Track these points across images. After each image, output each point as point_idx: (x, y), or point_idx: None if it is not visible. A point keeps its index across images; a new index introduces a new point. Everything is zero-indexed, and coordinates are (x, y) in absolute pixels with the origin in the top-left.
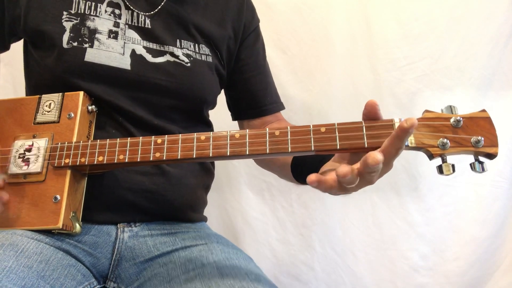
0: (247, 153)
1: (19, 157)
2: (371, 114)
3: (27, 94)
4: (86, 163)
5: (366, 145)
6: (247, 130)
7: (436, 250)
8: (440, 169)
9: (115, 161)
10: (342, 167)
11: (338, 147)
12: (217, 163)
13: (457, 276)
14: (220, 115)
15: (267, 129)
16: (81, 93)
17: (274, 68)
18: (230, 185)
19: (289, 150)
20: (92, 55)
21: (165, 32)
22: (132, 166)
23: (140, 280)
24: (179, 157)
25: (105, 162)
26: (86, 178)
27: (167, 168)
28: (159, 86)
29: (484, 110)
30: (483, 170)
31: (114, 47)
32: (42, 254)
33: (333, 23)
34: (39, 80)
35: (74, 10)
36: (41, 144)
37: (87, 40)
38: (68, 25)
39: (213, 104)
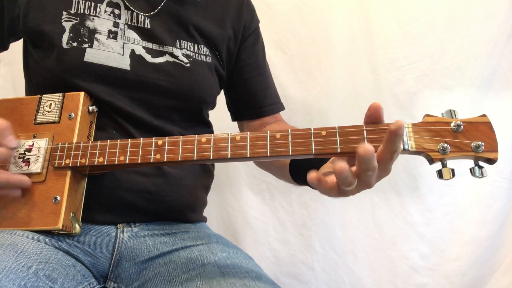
0: (248, 155)
1: (19, 157)
2: (373, 116)
3: (27, 94)
4: (87, 164)
5: None
6: (248, 132)
7: (436, 250)
8: (440, 174)
9: (116, 162)
10: (340, 161)
11: (338, 150)
12: (217, 163)
13: (457, 276)
14: (220, 115)
15: (268, 131)
16: (82, 93)
17: (274, 68)
18: (230, 185)
19: (290, 153)
20: (92, 55)
21: (164, 32)
22: (132, 168)
23: (140, 280)
24: (179, 159)
25: (105, 163)
26: (86, 178)
27: (167, 169)
28: (159, 86)
29: (484, 115)
30: (482, 175)
31: (114, 47)
32: (42, 254)
33: (333, 23)
34: (38, 80)
35: (74, 10)
36: (41, 144)
37: (86, 40)
38: (67, 25)
39: (212, 105)
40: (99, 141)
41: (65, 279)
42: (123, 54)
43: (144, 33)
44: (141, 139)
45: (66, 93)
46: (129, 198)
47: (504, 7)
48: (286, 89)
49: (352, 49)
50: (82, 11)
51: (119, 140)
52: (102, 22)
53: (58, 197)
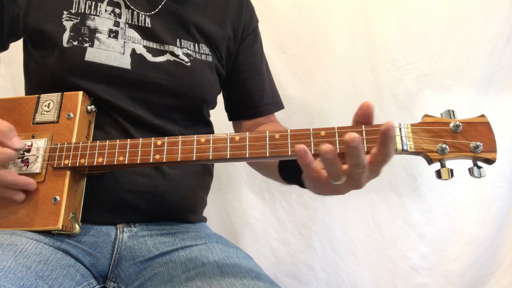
0: (247, 156)
1: (18, 158)
2: (364, 116)
3: (26, 94)
4: (86, 164)
5: (365, 149)
6: (247, 133)
7: (436, 250)
8: (438, 174)
9: (115, 163)
10: (326, 144)
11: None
12: (217, 163)
13: (457, 276)
14: (220, 115)
15: (267, 132)
16: (80, 93)
17: (274, 68)
18: (230, 185)
19: (289, 153)
20: (92, 54)
21: (165, 31)
22: (132, 168)
23: (140, 280)
24: (179, 159)
25: (104, 163)
26: (86, 178)
27: (167, 170)
28: (159, 85)
29: (483, 115)
30: (481, 175)
31: (114, 46)
32: (41, 254)
33: (333, 23)
34: (39, 80)
35: (74, 9)
36: (40, 144)
37: (87, 39)
38: (68, 24)
39: (213, 104)
40: (98, 141)
41: (64, 279)
42: (123, 53)
43: (144, 32)
44: (140, 139)
45: (65, 93)
46: (129, 199)
47: (504, 7)
48: (286, 89)
49: (352, 49)
50: (82, 11)
51: (118, 140)
52: (102, 21)
53: (58, 198)
